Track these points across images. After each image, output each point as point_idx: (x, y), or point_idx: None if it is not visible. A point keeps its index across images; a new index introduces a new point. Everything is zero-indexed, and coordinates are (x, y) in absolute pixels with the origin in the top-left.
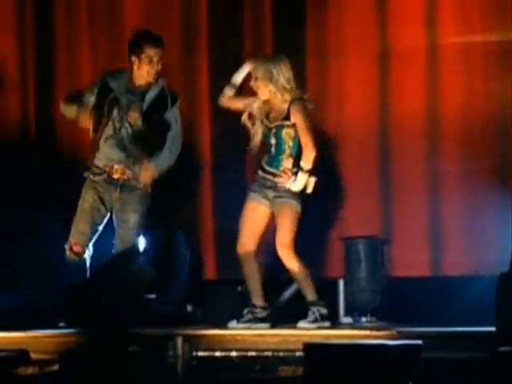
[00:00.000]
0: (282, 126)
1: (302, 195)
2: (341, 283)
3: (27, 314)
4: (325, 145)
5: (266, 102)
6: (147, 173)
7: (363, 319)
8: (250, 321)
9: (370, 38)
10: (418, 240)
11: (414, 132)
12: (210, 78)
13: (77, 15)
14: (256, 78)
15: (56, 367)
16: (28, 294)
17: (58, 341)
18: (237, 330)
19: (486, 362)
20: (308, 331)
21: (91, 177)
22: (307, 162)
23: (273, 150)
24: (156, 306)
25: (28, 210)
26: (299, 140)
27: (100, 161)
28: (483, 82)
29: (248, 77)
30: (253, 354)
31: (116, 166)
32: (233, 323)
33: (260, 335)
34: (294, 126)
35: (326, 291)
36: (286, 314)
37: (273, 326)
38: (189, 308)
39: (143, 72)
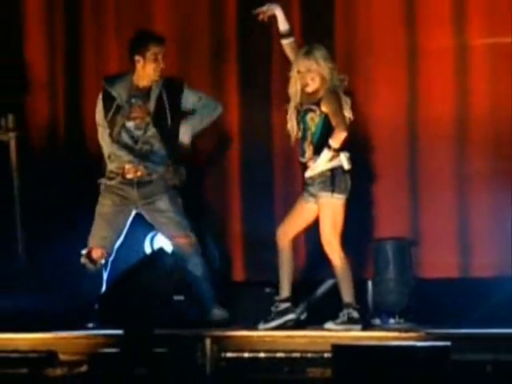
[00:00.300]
0: (308, 110)
1: (341, 185)
2: (369, 285)
3: (56, 315)
4: (352, 145)
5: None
6: (186, 136)
7: (391, 321)
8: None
9: (398, 38)
10: (447, 241)
11: (443, 133)
12: (239, 88)
13: (104, 17)
14: (309, 70)
15: (84, 368)
16: (57, 296)
17: (86, 342)
18: (265, 332)
19: None
20: (337, 333)
21: (107, 182)
22: (336, 140)
23: (301, 136)
24: (185, 308)
25: (63, 210)
26: (322, 129)
27: (112, 164)
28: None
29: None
30: (281, 355)
31: (127, 166)
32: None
33: (288, 336)
34: (321, 112)
35: (356, 292)
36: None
37: (301, 327)
38: (216, 310)
39: (149, 70)
